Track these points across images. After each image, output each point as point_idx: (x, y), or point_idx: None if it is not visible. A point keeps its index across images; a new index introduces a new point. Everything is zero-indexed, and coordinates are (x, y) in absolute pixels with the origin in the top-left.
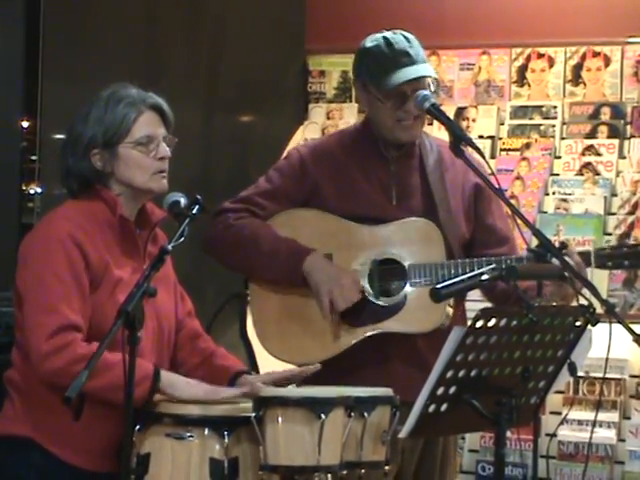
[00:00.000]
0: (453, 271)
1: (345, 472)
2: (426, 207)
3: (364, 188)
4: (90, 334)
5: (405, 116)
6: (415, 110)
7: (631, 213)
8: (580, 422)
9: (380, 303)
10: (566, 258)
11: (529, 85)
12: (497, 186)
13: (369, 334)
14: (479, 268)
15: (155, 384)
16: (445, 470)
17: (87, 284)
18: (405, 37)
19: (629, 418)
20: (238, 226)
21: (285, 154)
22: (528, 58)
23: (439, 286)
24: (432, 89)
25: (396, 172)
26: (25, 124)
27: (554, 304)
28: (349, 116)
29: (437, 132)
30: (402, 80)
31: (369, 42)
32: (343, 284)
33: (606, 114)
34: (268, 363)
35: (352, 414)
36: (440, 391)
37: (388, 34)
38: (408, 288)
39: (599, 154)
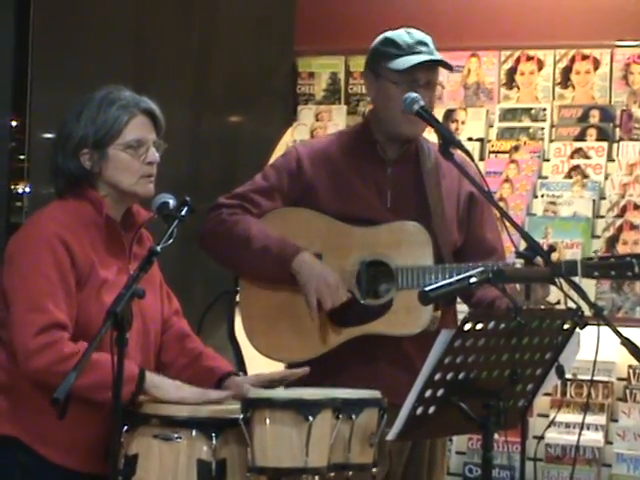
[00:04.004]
0: (440, 275)
1: (332, 474)
2: (420, 211)
3: (360, 190)
4: (75, 334)
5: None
6: (425, 102)
7: (619, 216)
8: (568, 425)
9: (367, 304)
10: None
11: (518, 88)
12: (486, 189)
13: (355, 335)
14: (466, 273)
15: (140, 385)
16: (432, 473)
17: (73, 283)
18: (424, 34)
19: (616, 421)
20: (231, 222)
21: (284, 152)
22: (517, 61)
23: (427, 288)
24: (443, 87)
25: (392, 175)
26: (14, 123)
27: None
28: (338, 118)
29: (426, 135)
30: (417, 61)
31: (389, 33)
32: (331, 284)
33: (595, 117)
34: (256, 364)
35: (340, 416)
36: (428, 394)
37: (408, 29)
38: (395, 290)
39: (588, 157)
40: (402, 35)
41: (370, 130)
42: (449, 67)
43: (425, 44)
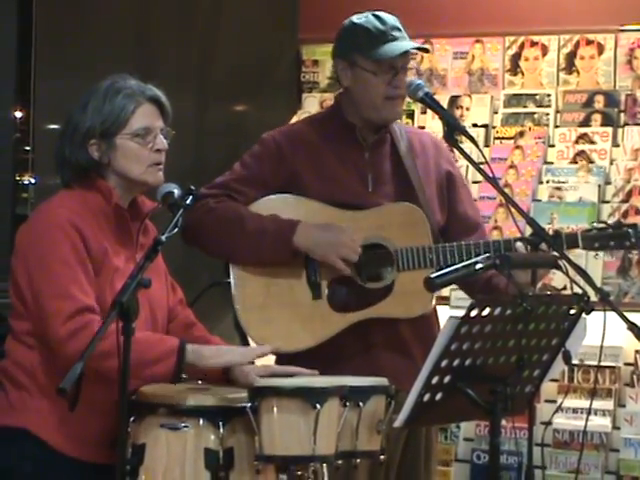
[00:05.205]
0: (441, 255)
1: (340, 462)
2: (401, 193)
3: (341, 174)
4: None
5: (394, 92)
6: (403, 86)
7: (625, 201)
8: (575, 410)
9: (368, 287)
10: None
11: (523, 73)
12: (490, 175)
13: (357, 320)
14: (467, 251)
15: (181, 357)
16: (429, 459)
17: (91, 267)
18: (392, 16)
19: (624, 406)
20: (220, 208)
21: (259, 140)
22: (522, 46)
23: (433, 275)
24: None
25: (371, 159)
26: (18, 114)
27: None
28: None
29: (430, 121)
30: (399, 51)
31: (356, 19)
32: (343, 240)
33: (600, 102)
34: None
35: (347, 404)
36: (435, 380)
37: (375, 12)
38: (396, 272)
39: (593, 142)
40: (373, 21)
41: (343, 114)
42: (427, 50)
43: (398, 29)
